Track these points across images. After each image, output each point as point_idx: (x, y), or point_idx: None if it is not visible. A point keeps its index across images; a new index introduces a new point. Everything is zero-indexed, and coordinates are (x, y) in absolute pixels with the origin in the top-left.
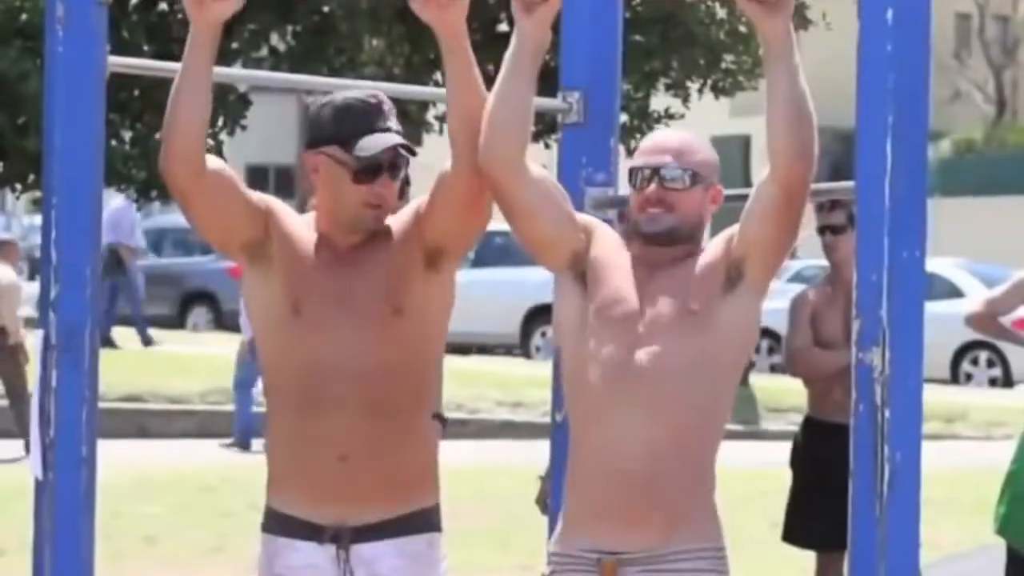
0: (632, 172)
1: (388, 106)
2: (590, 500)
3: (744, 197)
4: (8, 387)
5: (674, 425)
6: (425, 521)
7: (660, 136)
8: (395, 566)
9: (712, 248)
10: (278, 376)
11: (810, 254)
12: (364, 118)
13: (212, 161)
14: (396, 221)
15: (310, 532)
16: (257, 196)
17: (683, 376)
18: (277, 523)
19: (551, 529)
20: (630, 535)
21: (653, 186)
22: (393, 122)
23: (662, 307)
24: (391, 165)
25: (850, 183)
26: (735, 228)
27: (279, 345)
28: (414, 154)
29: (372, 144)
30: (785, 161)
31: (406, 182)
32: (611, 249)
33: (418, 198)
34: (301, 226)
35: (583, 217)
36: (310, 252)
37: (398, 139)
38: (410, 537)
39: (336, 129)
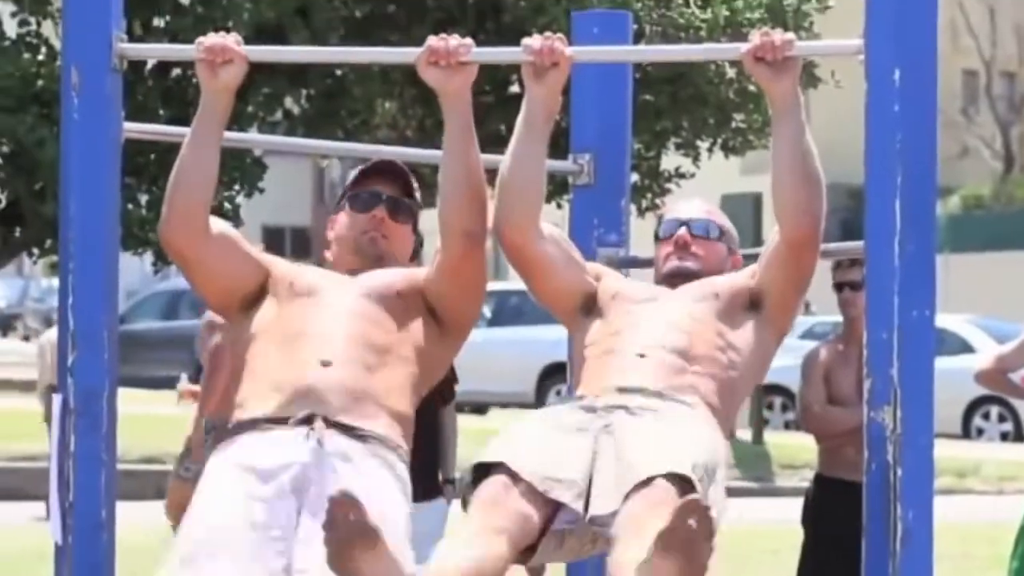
0: (659, 229)
1: (402, 167)
2: (589, 379)
3: (755, 256)
4: None
5: (699, 342)
6: (396, 448)
7: (687, 200)
8: (367, 463)
9: (736, 275)
10: (260, 341)
11: (823, 311)
12: (369, 167)
13: (214, 223)
14: (404, 269)
15: (276, 424)
16: (256, 252)
17: (711, 322)
18: (232, 432)
19: None
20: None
21: (682, 230)
22: (407, 178)
23: (686, 291)
24: (389, 199)
25: (859, 243)
26: (755, 266)
27: (269, 314)
28: (411, 194)
29: (367, 172)
30: (792, 218)
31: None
32: (623, 281)
33: (418, 270)
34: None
35: (592, 264)
36: (313, 270)
37: (387, 159)
38: (381, 447)
39: (348, 183)
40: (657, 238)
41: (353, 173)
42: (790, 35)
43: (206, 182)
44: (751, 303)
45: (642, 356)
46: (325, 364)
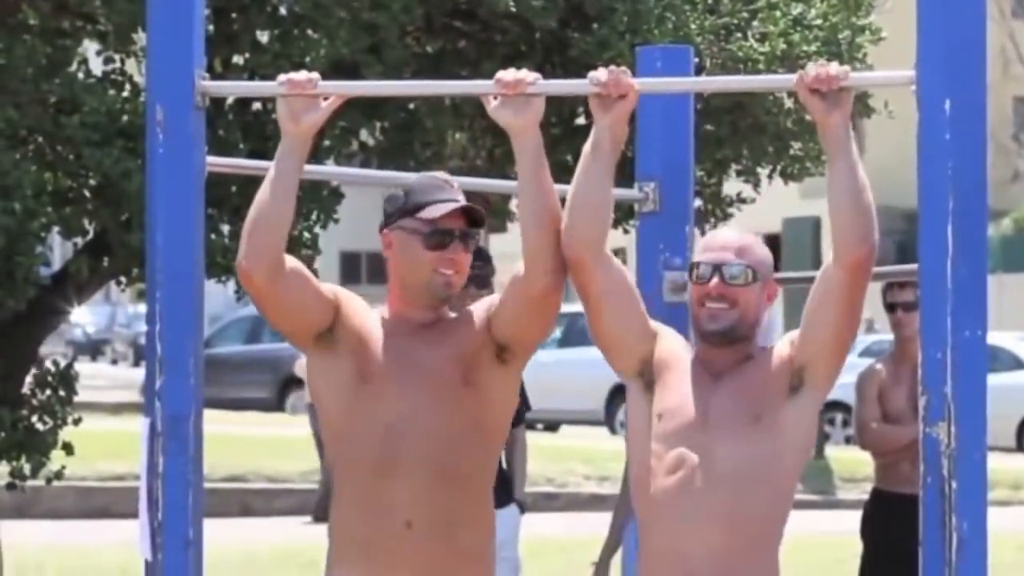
0: (694, 267)
1: (456, 185)
2: None
3: (811, 279)
4: None
5: (738, 529)
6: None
7: (722, 235)
8: None
9: (776, 353)
10: (346, 445)
11: (885, 329)
12: (433, 191)
13: (288, 261)
14: (472, 309)
15: None
16: (327, 288)
17: (748, 481)
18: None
19: None
20: None
21: (715, 281)
22: (460, 196)
23: (727, 413)
24: (462, 234)
25: (914, 266)
26: (796, 333)
27: (347, 414)
28: (482, 223)
29: (440, 208)
30: (848, 247)
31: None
32: (676, 354)
33: (494, 295)
34: (370, 311)
35: (653, 323)
36: (379, 329)
37: (463, 202)
38: None
39: (408, 202)
40: (691, 275)
41: (417, 193)
42: (845, 68)
43: (283, 222)
44: (792, 386)
45: (688, 573)
46: (408, 525)
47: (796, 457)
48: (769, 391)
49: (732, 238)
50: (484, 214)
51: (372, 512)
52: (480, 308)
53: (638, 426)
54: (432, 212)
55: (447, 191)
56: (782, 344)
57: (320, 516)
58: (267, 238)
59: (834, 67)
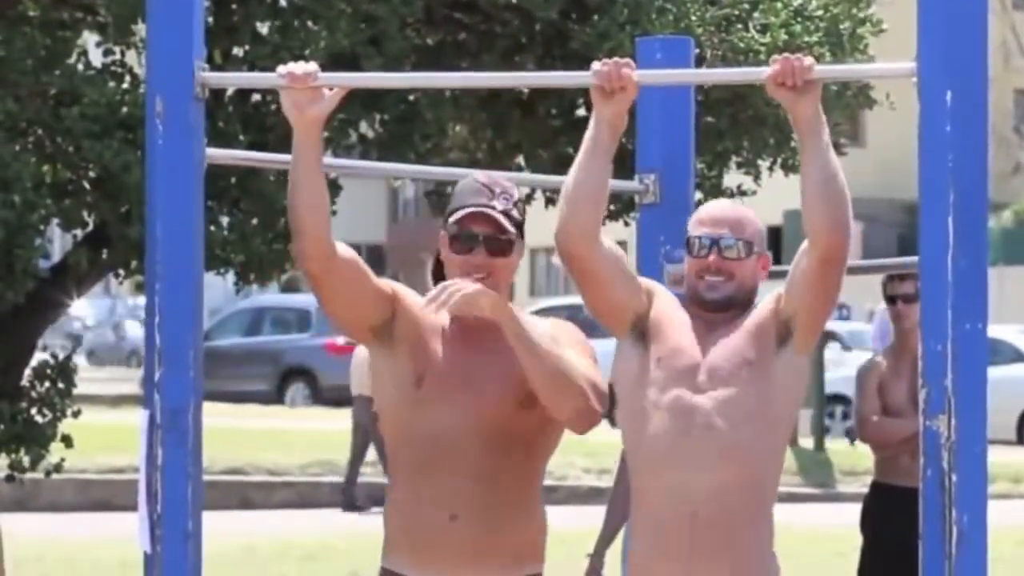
0: (691, 241)
1: (499, 189)
2: (659, 543)
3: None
4: None
5: (740, 466)
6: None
7: (717, 208)
8: None
9: (762, 308)
10: (399, 446)
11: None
12: (468, 195)
13: (342, 248)
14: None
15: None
16: (384, 281)
17: (746, 421)
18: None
19: None
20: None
21: (712, 256)
22: (499, 202)
23: (721, 357)
24: (487, 239)
25: (914, 258)
26: (782, 290)
27: (401, 416)
28: (509, 230)
29: (461, 213)
30: (821, 235)
31: None
32: (671, 308)
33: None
34: (427, 309)
35: (644, 280)
36: (436, 329)
37: (477, 208)
38: None
39: (450, 204)
40: (688, 248)
41: (456, 197)
42: (809, 60)
43: (321, 205)
44: (779, 337)
45: (695, 515)
46: (453, 518)
47: (787, 405)
48: (760, 340)
49: (727, 212)
50: (519, 217)
51: (420, 505)
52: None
53: (631, 376)
54: (456, 216)
55: (483, 195)
56: (768, 300)
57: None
58: (311, 226)
59: (799, 60)
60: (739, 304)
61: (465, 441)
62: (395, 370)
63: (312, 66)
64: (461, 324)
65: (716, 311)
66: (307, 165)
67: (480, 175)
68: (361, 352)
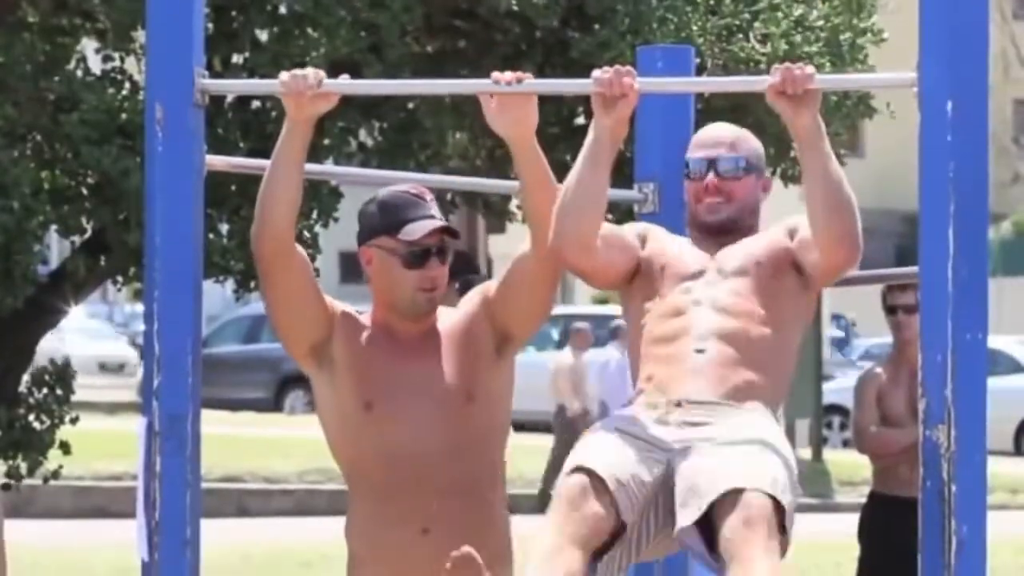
0: (688, 163)
1: (430, 197)
2: (659, 383)
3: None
4: None
5: (749, 326)
6: None
7: (714, 129)
8: None
9: (774, 231)
10: (356, 467)
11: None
12: (407, 208)
13: (300, 250)
14: (462, 310)
15: None
16: (327, 298)
17: (756, 297)
18: None
19: None
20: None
21: (711, 176)
22: (435, 210)
23: (731, 257)
24: (439, 250)
25: (913, 268)
26: (798, 223)
27: (354, 440)
28: (457, 236)
29: (417, 229)
30: (827, 248)
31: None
32: (669, 236)
33: (488, 282)
34: (362, 325)
35: (634, 228)
36: (374, 348)
37: (440, 223)
38: None
39: (383, 220)
40: (686, 173)
41: (392, 211)
42: (810, 69)
43: (291, 198)
44: (793, 265)
45: (701, 351)
46: (425, 532)
47: (793, 317)
48: (770, 250)
49: (724, 132)
50: (454, 229)
51: (388, 524)
52: (474, 301)
53: (641, 298)
54: (411, 233)
55: (421, 207)
56: (781, 226)
57: None
58: (274, 214)
59: (799, 69)
60: (741, 228)
61: (424, 455)
62: (340, 397)
63: (311, 71)
64: (397, 338)
65: (718, 235)
66: (291, 158)
67: (404, 185)
68: None
